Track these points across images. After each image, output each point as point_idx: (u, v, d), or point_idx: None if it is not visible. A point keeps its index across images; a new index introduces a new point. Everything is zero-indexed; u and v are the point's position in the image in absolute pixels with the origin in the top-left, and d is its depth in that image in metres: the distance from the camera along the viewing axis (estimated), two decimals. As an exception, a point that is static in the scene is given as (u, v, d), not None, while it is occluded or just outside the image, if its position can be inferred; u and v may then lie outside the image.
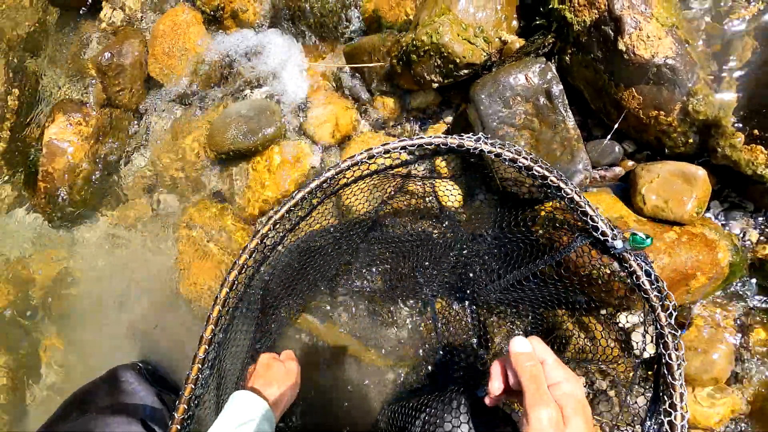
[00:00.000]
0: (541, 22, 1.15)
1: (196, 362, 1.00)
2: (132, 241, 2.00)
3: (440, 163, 1.50)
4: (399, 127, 1.60)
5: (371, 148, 1.06)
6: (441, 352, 1.40)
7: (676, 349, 0.80)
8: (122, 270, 1.98)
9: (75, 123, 2.05)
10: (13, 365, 2.11)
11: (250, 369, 1.18)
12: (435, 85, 1.33)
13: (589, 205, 0.95)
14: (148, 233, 1.97)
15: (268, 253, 1.15)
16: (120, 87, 2.07)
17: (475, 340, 1.37)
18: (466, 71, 1.26)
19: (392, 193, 1.54)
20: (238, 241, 1.75)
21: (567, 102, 1.13)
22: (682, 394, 0.77)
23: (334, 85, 1.70)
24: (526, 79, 1.13)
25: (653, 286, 0.86)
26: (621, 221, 1.05)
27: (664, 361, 0.80)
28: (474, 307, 1.41)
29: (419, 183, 1.54)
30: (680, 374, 0.78)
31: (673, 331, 0.80)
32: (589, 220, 0.93)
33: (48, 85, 2.28)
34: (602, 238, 0.90)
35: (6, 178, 2.27)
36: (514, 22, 1.27)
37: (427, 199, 1.55)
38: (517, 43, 1.22)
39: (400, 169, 1.25)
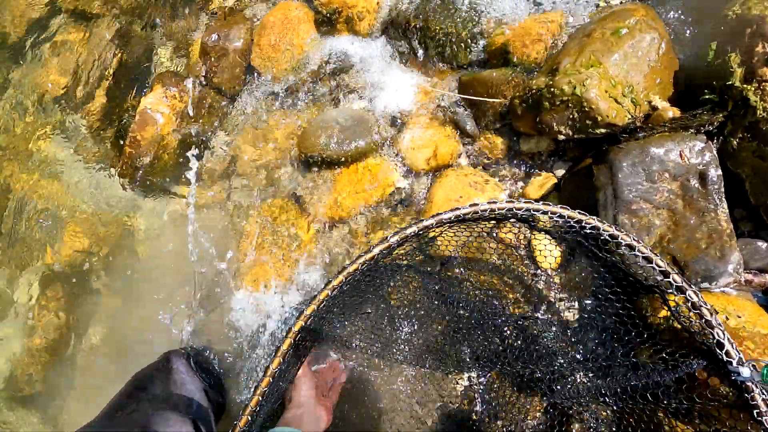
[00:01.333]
0: (710, 96, 1.03)
1: (256, 394, 0.96)
2: (201, 223, 2.00)
3: (543, 217, 1.38)
4: (502, 168, 1.51)
5: (494, 202, 0.97)
6: None
7: None
8: (187, 249, 1.98)
9: (170, 96, 2.08)
10: (66, 316, 2.16)
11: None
12: (561, 137, 1.23)
13: (718, 322, 0.82)
14: (217, 219, 1.96)
15: (347, 288, 1.08)
16: (220, 70, 2.08)
17: None
18: (603, 130, 1.15)
19: (480, 234, 1.44)
20: (305, 248, 1.70)
21: (723, 190, 1.00)
22: None
23: (440, 111, 1.63)
24: (681, 156, 1.01)
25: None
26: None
27: None
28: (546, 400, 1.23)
29: (515, 232, 1.44)
30: None
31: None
32: (714, 335, 0.81)
33: (151, 55, 2.33)
34: (725, 359, 0.78)
35: (96, 135, 2.33)
36: (670, 89, 1.15)
37: (519, 249, 1.44)
38: (670, 111, 1.10)
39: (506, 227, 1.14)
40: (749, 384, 0.76)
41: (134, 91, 2.28)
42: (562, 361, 1.14)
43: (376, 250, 0.97)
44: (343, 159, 1.68)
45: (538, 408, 1.23)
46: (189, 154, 2.08)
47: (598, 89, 1.11)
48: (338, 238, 1.71)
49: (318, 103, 1.88)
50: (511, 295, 1.39)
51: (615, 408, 1.06)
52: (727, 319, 0.96)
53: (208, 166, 2.06)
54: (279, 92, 1.97)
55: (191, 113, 2.08)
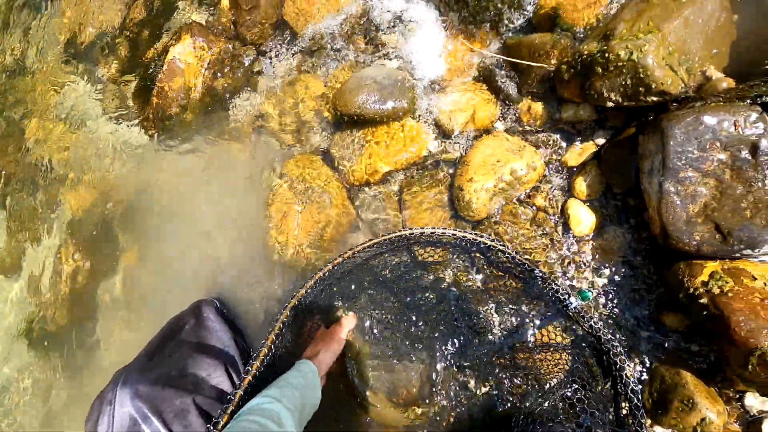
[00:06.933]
0: (770, 67, 1.03)
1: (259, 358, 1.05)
2: (227, 177, 2.00)
3: (580, 185, 1.41)
4: (540, 134, 1.51)
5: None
6: None
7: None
8: (212, 202, 1.99)
9: (199, 47, 2.05)
10: (89, 265, 2.18)
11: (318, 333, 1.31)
12: (610, 104, 1.24)
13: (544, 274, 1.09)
14: (245, 173, 1.96)
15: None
16: (250, 22, 2.04)
17: None
18: (655, 98, 1.16)
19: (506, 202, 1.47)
20: (336, 206, 1.72)
21: (773, 169, 1.02)
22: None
23: (480, 75, 1.62)
24: (735, 126, 1.03)
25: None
26: (805, 306, 0.95)
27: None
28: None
29: (549, 196, 1.47)
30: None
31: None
32: (552, 285, 1.06)
33: (180, 3, 2.27)
34: (561, 297, 1.05)
35: (119, 85, 2.30)
36: (725, 59, 1.15)
37: (550, 212, 1.47)
38: (724, 82, 1.11)
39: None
40: (579, 309, 1.02)
41: (159, 42, 2.24)
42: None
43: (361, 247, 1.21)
44: (378, 118, 1.67)
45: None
46: (216, 107, 2.06)
47: (655, 56, 1.11)
48: (369, 198, 1.73)
49: (352, 61, 1.85)
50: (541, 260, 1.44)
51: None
52: (765, 285, 1.00)
53: (235, 120, 2.04)
54: (311, 48, 1.94)
55: (219, 66, 2.05)
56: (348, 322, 1.31)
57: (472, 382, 1.35)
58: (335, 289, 1.40)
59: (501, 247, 1.15)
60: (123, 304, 2.09)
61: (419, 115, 1.69)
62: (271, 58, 2.03)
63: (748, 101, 1.04)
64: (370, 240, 1.28)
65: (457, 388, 1.35)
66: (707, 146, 1.06)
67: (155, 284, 2.03)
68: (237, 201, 1.93)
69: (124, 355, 1.98)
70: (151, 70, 2.14)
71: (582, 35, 1.39)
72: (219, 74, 2.06)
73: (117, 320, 2.08)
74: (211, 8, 2.20)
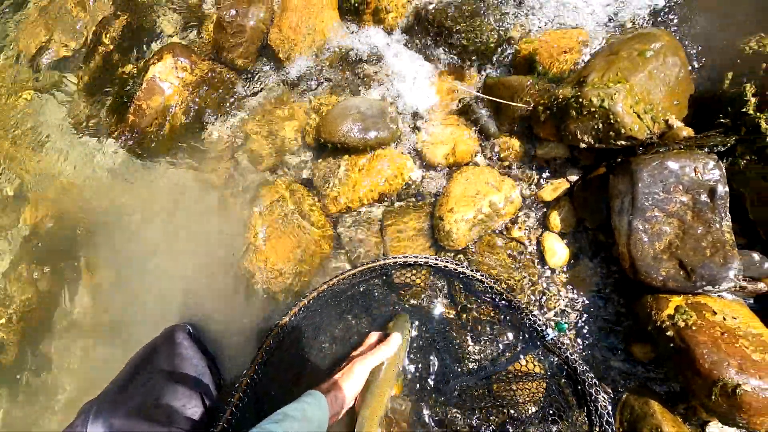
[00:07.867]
0: (724, 121, 1.15)
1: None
2: (204, 199, 1.97)
3: (554, 219, 1.48)
4: (517, 169, 1.59)
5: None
6: None
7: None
8: (186, 224, 1.94)
9: (181, 68, 2.03)
10: (48, 287, 2.06)
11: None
12: (583, 145, 1.33)
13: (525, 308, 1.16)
14: (223, 197, 1.93)
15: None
16: (235, 46, 2.05)
17: None
18: (623, 143, 1.26)
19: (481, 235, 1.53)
20: (316, 232, 1.72)
21: (728, 205, 1.12)
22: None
23: (461, 111, 1.69)
24: (695, 171, 1.12)
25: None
26: (760, 339, 1.03)
27: None
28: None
29: (526, 229, 1.53)
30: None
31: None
32: (531, 317, 1.12)
33: (161, 22, 2.25)
34: (539, 328, 1.10)
35: (93, 100, 2.23)
36: (685, 110, 1.27)
37: (526, 244, 1.53)
38: (684, 131, 1.21)
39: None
40: (555, 340, 1.08)
41: (138, 59, 2.21)
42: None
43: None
44: (361, 147, 1.70)
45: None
46: (195, 128, 2.04)
47: (624, 104, 1.21)
48: (350, 226, 1.74)
49: (335, 90, 1.89)
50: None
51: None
52: (725, 319, 1.08)
53: (214, 143, 2.02)
54: (295, 75, 1.97)
55: (201, 87, 2.04)
56: (390, 349, 1.19)
57: (451, 412, 1.35)
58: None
59: (480, 277, 1.19)
60: (85, 329, 1.97)
61: (402, 146, 1.73)
62: (254, 82, 2.04)
63: (706, 149, 1.14)
64: (353, 268, 1.29)
65: (435, 419, 1.35)
66: (671, 189, 1.15)
67: (122, 308, 1.94)
68: (213, 224, 1.90)
69: (86, 385, 1.87)
70: (128, 87, 2.10)
71: (557, 80, 1.49)
72: (200, 95, 2.04)
73: (78, 346, 1.96)
74: (195, 29, 2.20)
